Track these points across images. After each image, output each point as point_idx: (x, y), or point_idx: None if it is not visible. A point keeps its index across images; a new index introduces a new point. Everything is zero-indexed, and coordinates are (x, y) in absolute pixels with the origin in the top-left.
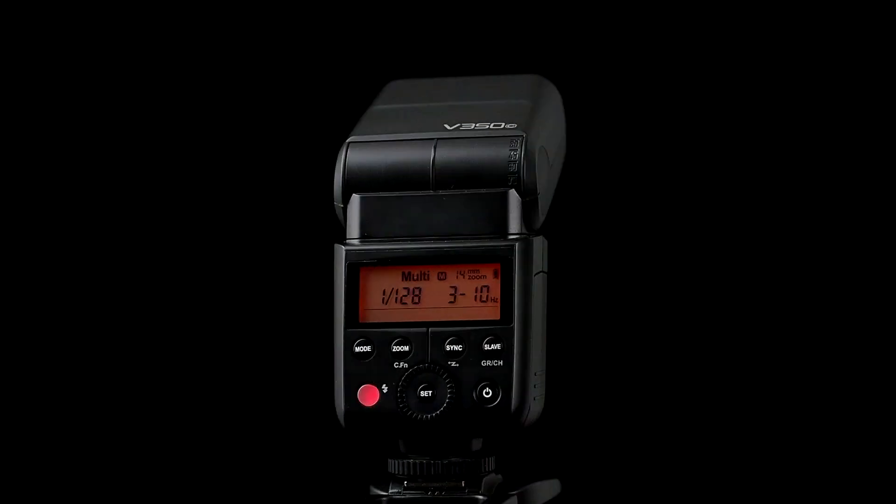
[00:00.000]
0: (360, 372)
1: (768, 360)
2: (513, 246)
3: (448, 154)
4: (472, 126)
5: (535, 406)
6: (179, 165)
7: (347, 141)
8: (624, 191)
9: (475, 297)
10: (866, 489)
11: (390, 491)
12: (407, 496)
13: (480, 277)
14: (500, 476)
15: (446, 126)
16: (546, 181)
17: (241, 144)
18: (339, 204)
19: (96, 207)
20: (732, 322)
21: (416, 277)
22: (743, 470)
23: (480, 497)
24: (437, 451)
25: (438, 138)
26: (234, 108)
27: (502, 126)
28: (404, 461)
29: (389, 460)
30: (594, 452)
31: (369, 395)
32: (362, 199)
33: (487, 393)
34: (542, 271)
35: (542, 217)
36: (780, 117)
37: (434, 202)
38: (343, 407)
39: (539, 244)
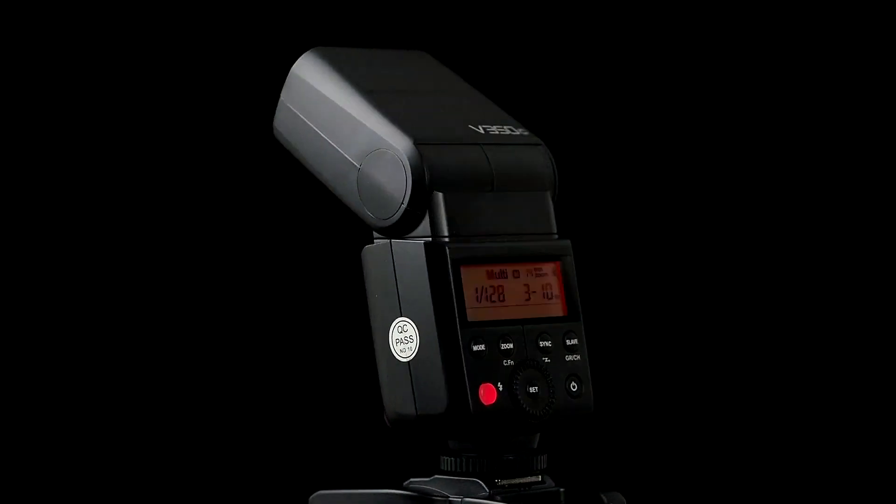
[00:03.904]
0: (477, 371)
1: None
2: (567, 245)
3: (502, 158)
4: (495, 130)
5: None
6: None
7: (412, 142)
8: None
9: (542, 294)
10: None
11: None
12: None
13: (543, 275)
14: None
15: (472, 127)
16: None
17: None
18: (405, 206)
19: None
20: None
21: (497, 276)
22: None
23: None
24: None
25: (483, 143)
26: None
27: (518, 132)
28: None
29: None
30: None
31: (488, 394)
32: (447, 198)
33: (574, 387)
34: None
35: None
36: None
37: (499, 202)
38: (473, 408)
39: None
